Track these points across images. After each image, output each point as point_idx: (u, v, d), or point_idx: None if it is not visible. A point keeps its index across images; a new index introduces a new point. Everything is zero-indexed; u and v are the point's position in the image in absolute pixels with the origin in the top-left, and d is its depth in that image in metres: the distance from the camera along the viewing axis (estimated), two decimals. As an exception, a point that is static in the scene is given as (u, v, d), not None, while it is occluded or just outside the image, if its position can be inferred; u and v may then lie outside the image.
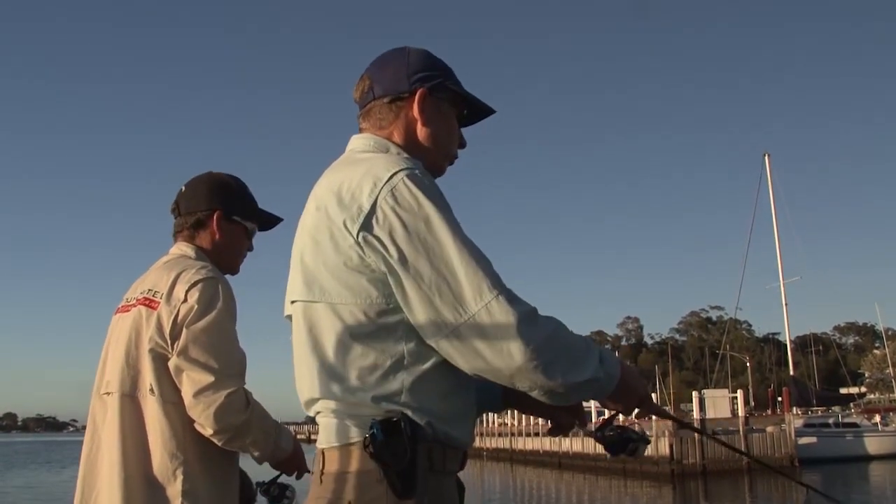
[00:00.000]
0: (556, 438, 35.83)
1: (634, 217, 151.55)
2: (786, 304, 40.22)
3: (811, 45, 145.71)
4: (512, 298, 1.18)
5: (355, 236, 1.22)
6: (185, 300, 1.86)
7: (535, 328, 1.17)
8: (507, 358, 1.16)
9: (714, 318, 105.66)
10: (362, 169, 1.27)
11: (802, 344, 64.54)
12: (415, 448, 1.18)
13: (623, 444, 1.42)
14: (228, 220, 2.10)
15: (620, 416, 1.45)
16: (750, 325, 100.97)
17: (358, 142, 1.43)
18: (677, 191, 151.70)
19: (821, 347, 70.98)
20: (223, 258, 2.10)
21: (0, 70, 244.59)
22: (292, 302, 1.34)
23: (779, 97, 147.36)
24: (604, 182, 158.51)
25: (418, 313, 1.20)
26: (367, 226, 1.21)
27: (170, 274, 1.93)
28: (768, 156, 42.44)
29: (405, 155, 1.36)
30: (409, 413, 1.21)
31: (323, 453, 1.28)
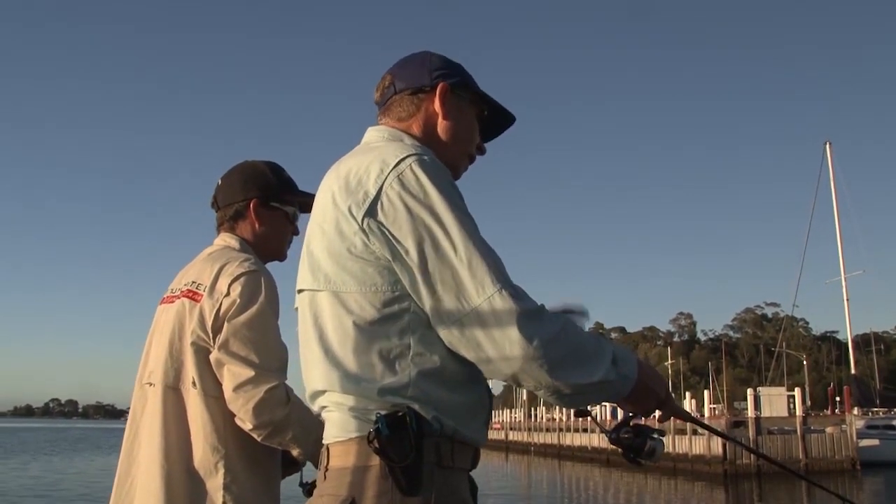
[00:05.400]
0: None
1: (689, 211, 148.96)
2: (847, 300, 39.02)
3: (879, 26, 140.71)
4: (516, 294, 1.15)
5: (360, 222, 1.20)
6: (228, 294, 1.85)
7: (539, 325, 1.14)
8: (507, 353, 1.13)
9: (769, 315, 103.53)
10: (371, 155, 1.26)
11: (863, 342, 62.50)
12: (421, 443, 1.15)
13: (640, 446, 1.32)
14: (267, 206, 2.07)
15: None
16: (807, 323, 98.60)
17: (372, 133, 1.43)
18: (734, 183, 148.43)
19: (882, 346, 68.75)
20: (267, 246, 2.08)
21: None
22: (299, 292, 1.32)
23: (841, 82, 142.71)
24: (659, 175, 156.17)
25: (423, 302, 1.18)
26: (371, 212, 1.19)
27: (213, 266, 1.91)
28: (830, 145, 41.18)
29: (418, 144, 1.35)
30: (416, 407, 1.17)
31: (328, 448, 1.25)
